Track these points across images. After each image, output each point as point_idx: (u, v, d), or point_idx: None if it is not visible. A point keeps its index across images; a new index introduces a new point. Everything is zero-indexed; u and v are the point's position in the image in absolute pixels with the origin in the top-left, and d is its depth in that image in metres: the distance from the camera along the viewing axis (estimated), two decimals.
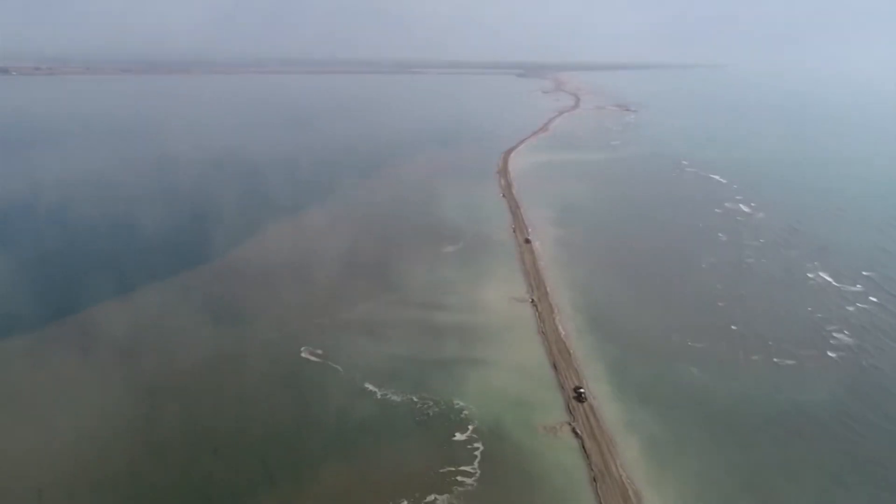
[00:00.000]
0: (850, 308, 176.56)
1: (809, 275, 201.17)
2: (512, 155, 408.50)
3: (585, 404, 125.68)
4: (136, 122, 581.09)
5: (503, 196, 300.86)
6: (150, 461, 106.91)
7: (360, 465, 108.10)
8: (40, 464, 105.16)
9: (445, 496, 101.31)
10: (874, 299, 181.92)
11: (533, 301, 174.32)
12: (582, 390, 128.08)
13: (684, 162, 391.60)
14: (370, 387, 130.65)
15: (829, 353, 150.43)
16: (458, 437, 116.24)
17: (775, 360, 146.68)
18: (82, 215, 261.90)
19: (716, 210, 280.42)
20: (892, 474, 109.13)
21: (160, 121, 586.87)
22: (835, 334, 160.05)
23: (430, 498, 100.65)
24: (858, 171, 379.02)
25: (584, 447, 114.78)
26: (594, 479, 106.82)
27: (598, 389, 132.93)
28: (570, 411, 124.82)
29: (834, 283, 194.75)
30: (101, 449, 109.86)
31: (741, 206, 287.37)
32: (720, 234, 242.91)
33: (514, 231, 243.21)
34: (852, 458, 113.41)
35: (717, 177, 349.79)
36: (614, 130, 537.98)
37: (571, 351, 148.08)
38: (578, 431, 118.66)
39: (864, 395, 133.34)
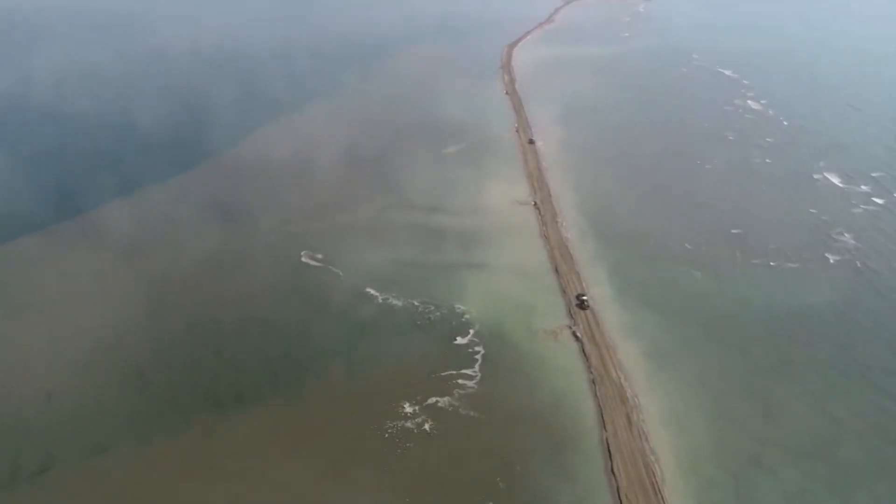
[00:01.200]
0: (856, 210, 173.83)
1: (816, 176, 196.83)
2: (515, 49, 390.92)
3: (587, 310, 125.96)
4: (128, 15, 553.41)
5: (506, 93, 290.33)
6: (155, 364, 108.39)
7: (362, 369, 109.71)
8: (48, 367, 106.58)
9: (447, 399, 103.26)
10: (880, 201, 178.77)
11: (535, 204, 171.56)
12: (585, 297, 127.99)
13: (696, 56, 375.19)
14: (371, 291, 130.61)
15: (831, 257, 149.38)
16: (460, 340, 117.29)
17: (777, 263, 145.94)
18: (79, 113, 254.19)
19: (725, 108, 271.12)
20: (884, 379, 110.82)
21: (152, 15, 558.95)
22: (838, 237, 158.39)
23: (432, 400, 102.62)
24: (879, 68, 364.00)
25: (583, 351, 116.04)
26: (593, 382, 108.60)
27: (600, 294, 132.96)
28: (570, 316, 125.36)
29: (841, 184, 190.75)
30: (106, 352, 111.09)
31: (751, 102, 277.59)
32: (728, 134, 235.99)
33: (518, 131, 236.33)
34: (847, 363, 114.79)
35: (729, 72, 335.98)
36: (624, 22, 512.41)
37: (573, 255, 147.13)
38: (579, 335, 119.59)
39: (862, 299, 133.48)
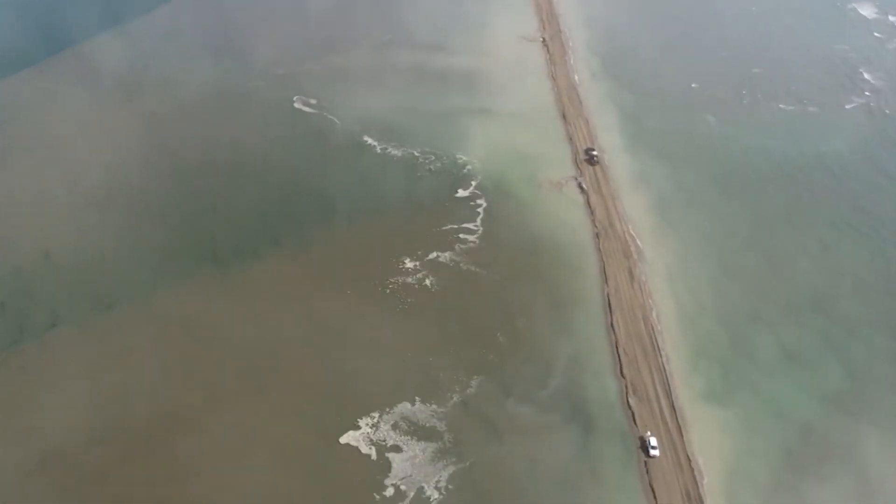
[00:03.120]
0: (890, 46, 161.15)
1: (850, 5, 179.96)
2: None
3: (596, 165, 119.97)
4: None
5: None
6: (150, 222, 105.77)
7: (361, 222, 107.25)
8: (42, 226, 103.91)
9: (447, 253, 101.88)
10: None
11: (544, 40, 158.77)
12: (594, 152, 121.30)
13: None
14: (369, 140, 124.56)
15: (852, 101, 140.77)
16: (461, 193, 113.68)
17: (796, 107, 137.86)
18: None
19: None
20: (893, 234, 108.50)
21: None
22: (862, 78, 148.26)
23: (433, 255, 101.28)
24: None
25: (588, 203, 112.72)
26: (597, 236, 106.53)
27: (609, 141, 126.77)
28: (577, 165, 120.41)
29: (875, 15, 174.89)
30: (100, 209, 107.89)
31: None
32: None
33: None
34: (858, 215, 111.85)
35: None
36: None
37: (582, 98, 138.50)
38: (584, 187, 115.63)
39: (879, 149, 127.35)
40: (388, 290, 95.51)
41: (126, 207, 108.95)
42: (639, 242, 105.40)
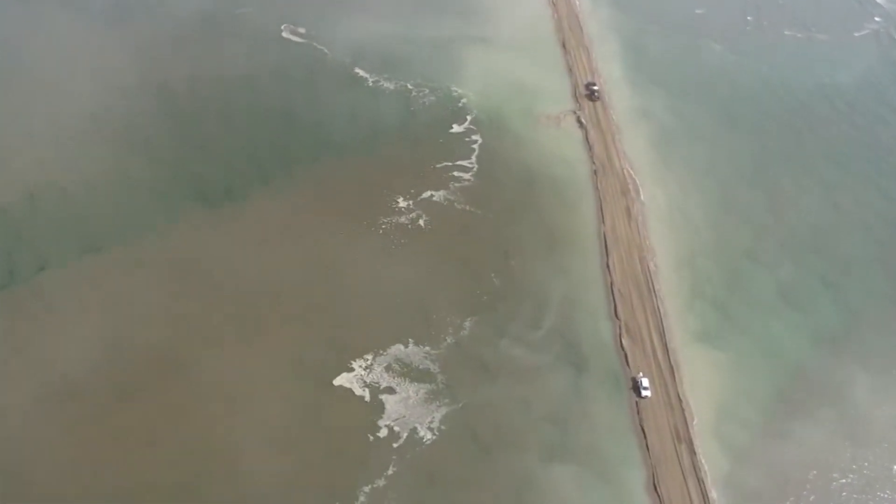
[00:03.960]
0: None
1: None
2: None
3: (597, 101, 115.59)
4: None
5: None
6: (137, 161, 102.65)
7: (353, 160, 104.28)
8: (25, 165, 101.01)
9: (442, 192, 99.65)
10: None
11: None
12: (595, 87, 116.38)
13: None
14: (361, 72, 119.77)
15: (865, 27, 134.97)
16: (456, 128, 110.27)
17: (804, 35, 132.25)
18: None
19: None
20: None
21: None
22: (874, 2, 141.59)
23: (426, 194, 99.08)
24: None
25: (587, 138, 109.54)
26: (595, 173, 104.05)
27: (609, 72, 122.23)
28: (576, 99, 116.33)
29: None
30: (84, 146, 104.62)
31: None
32: None
33: None
34: (864, 151, 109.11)
35: None
36: None
37: (583, 26, 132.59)
38: (583, 121, 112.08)
39: (889, 79, 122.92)
40: (380, 231, 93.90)
41: (111, 144, 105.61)
42: (637, 180, 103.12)
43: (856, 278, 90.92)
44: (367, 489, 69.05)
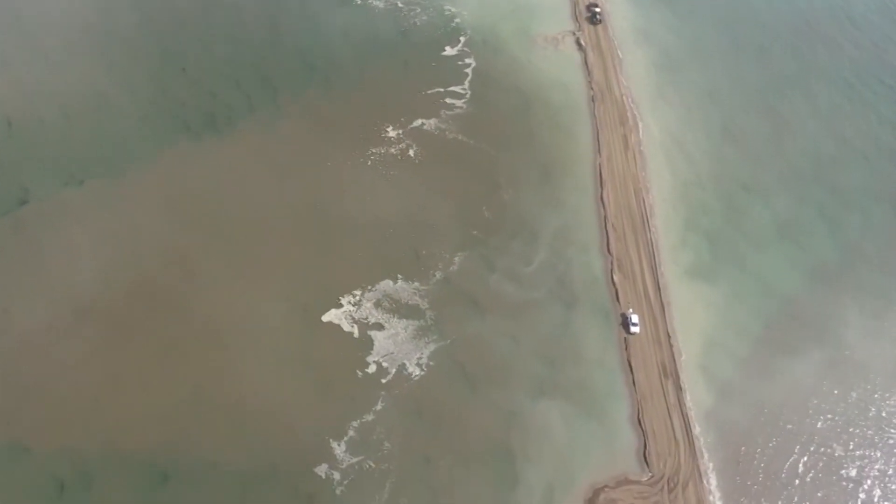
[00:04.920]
0: None
1: None
2: None
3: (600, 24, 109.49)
4: None
5: None
6: (117, 86, 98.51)
7: (340, 86, 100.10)
8: (5, 93, 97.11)
9: (433, 120, 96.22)
10: None
11: None
12: (597, 9, 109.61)
13: None
14: None
15: None
16: (448, 51, 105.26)
17: None
18: None
19: None
20: None
21: None
22: None
23: (417, 123, 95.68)
24: None
25: (586, 62, 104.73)
26: (593, 100, 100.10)
27: None
28: (576, 18, 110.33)
29: None
30: (61, 70, 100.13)
31: None
32: None
33: None
34: (873, 74, 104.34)
35: None
36: None
37: None
38: (582, 43, 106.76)
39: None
40: (369, 162, 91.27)
41: (90, 70, 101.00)
42: (636, 107, 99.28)
43: (854, 211, 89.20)
44: (355, 424, 70.15)
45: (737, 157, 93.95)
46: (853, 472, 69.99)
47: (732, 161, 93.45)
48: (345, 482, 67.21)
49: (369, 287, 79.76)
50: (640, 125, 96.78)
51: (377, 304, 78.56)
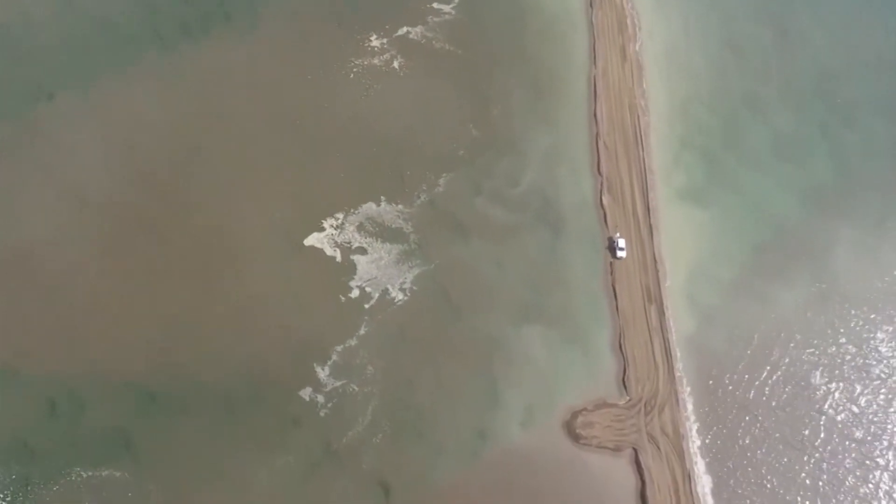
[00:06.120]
0: None
1: None
2: None
3: None
4: None
5: None
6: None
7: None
8: None
9: (419, 28, 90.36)
10: None
11: None
12: None
13: None
14: None
15: None
16: None
17: None
18: None
19: None
20: None
21: None
22: None
23: (402, 31, 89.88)
24: None
25: None
26: (590, 5, 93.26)
27: None
28: None
29: None
30: None
31: None
32: None
33: None
34: None
35: None
36: None
37: None
38: None
39: None
40: (351, 75, 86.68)
41: None
42: (638, 13, 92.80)
43: (857, 126, 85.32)
44: (339, 349, 70.85)
45: (739, 70, 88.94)
46: (830, 404, 70.89)
47: (734, 73, 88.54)
48: (329, 405, 68.78)
49: (352, 209, 78.08)
50: (640, 34, 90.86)
51: (360, 228, 77.21)
